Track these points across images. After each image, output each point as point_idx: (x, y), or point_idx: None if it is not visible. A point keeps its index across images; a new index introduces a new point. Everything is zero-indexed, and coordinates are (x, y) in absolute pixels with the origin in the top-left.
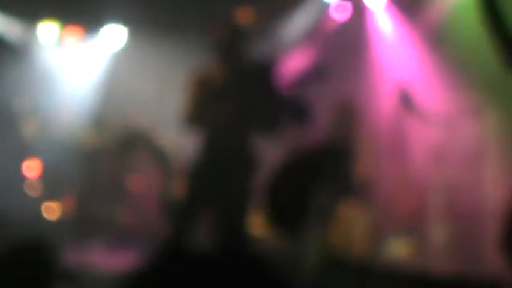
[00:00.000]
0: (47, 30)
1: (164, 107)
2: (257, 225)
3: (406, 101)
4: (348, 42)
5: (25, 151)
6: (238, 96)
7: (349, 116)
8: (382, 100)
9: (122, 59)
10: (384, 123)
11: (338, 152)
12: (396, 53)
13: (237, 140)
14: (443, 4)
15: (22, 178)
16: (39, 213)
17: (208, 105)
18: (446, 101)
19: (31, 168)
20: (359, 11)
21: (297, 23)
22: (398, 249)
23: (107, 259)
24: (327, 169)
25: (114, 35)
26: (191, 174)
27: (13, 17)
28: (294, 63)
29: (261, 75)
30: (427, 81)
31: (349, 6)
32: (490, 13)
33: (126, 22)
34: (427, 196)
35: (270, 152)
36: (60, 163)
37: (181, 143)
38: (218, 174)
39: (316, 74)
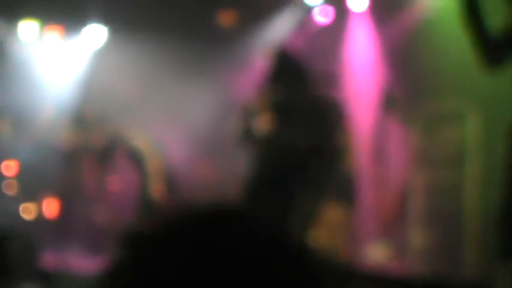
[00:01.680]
0: (28, 28)
1: (145, 107)
2: None
3: (389, 104)
4: (330, 45)
5: (3, 150)
6: (291, 118)
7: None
8: (363, 104)
9: (102, 58)
10: (365, 126)
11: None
12: (377, 56)
13: (289, 152)
14: (424, 6)
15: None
16: (16, 212)
17: (260, 124)
18: (427, 104)
19: (9, 168)
20: (341, 14)
21: (280, 25)
22: (378, 253)
23: (84, 260)
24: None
25: (95, 34)
26: (250, 183)
27: None
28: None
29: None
30: (409, 84)
31: (331, 9)
32: (470, 13)
33: (106, 21)
34: (407, 199)
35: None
36: (38, 162)
37: (160, 144)
38: (275, 183)
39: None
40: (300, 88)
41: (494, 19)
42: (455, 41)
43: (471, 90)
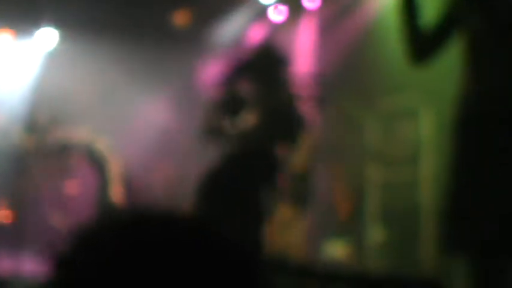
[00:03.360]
0: None
1: (98, 109)
2: None
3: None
4: (284, 42)
5: None
6: (265, 108)
7: (299, 116)
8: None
9: (54, 61)
10: (314, 124)
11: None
12: (326, 53)
13: (262, 146)
14: (374, 5)
15: None
16: None
17: (231, 117)
18: (380, 101)
19: None
20: (295, 13)
21: (234, 24)
22: (335, 251)
23: (41, 266)
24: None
25: (47, 37)
26: (213, 180)
27: None
28: (229, 64)
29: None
30: (362, 81)
31: (285, 8)
32: (404, 5)
33: (58, 24)
34: (363, 196)
35: (207, 155)
36: None
37: (118, 146)
38: (241, 178)
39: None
40: (277, 83)
41: (426, 12)
42: None
43: (424, 86)
